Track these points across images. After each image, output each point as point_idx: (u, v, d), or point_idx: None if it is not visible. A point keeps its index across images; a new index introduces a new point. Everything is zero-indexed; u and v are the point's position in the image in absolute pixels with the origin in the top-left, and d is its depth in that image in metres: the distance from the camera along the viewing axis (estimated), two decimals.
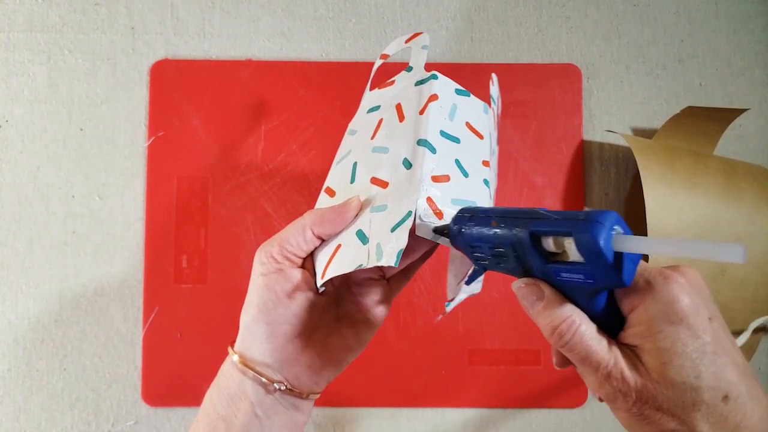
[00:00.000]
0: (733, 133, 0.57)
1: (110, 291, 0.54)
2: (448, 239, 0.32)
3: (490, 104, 0.40)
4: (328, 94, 0.55)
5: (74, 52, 0.56)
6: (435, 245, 0.38)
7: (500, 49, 0.57)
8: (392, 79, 0.41)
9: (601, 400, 0.28)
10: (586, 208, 0.27)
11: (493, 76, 0.41)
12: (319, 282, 0.34)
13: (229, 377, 0.35)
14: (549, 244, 0.26)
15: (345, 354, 0.38)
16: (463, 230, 0.30)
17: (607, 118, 0.57)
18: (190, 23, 0.57)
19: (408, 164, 0.35)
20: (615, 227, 0.24)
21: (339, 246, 0.34)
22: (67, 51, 0.56)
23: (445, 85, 0.37)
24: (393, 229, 0.32)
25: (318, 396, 0.37)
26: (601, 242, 0.23)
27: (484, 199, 0.36)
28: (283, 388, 0.34)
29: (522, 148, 0.56)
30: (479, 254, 0.30)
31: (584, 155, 0.56)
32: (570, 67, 0.57)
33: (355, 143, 0.40)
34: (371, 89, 0.43)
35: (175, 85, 0.55)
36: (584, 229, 0.23)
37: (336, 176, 0.40)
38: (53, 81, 0.56)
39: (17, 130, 0.55)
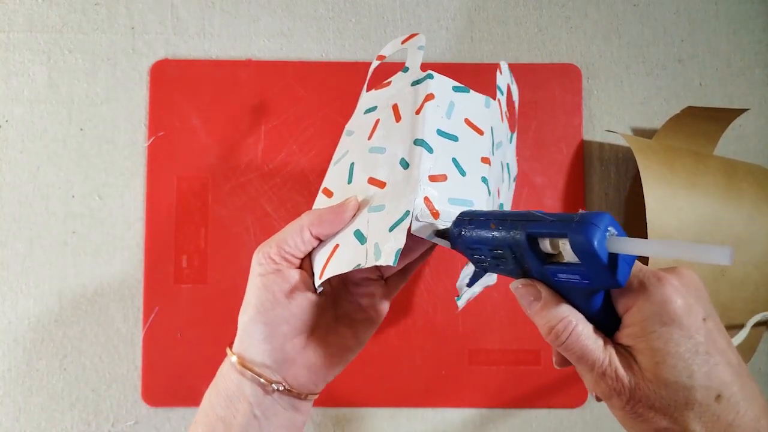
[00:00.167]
0: (733, 133, 0.57)
1: (110, 291, 0.54)
2: (448, 242, 0.32)
3: (495, 96, 0.40)
4: (328, 94, 0.55)
5: (74, 52, 0.56)
6: (433, 245, 0.38)
7: (500, 49, 0.57)
8: (389, 79, 0.41)
9: (598, 399, 0.28)
10: (580, 210, 0.28)
11: (502, 65, 0.41)
12: (317, 282, 0.34)
13: (227, 378, 0.35)
14: (546, 245, 0.26)
15: (344, 354, 0.38)
16: (462, 233, 0.31)
17: (607, 118, 0.57)
18: (190, 23, 0.57)
19: (405, 164, 0.35)
20: (609, 229, 0.24)
21: (337, 246, 0.34)
22: (67, 51, 0.56)
23: (441, 84, 0.37)
24: (391, 229, 0.32)
25: (317, 396, 0.37)
26: (595, 243, 0.23)
27: (481, 197, 0.36)
28: (281, 388, 0.35)
29: (522, 148, 0.56)
30: (479, 256, 0.30)
31: (584, 155, 0.56)
32: (570, 67, 0.57)
33: (352, 144, 0.40)
34: (368, 90, 0.43)
35: (175, 85, 0.55)
36: (579, 230, 0.24)
37: (333, 177, 0.40)
38: (53, 81, 0.56)
39: (17, 130, 0.55)
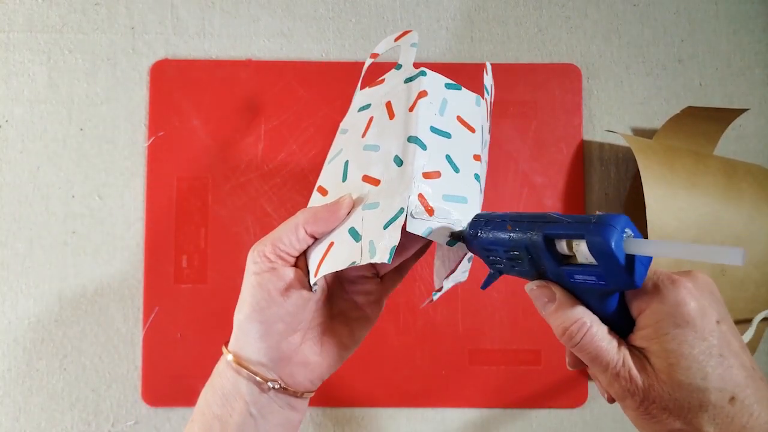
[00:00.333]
0: (733, 133, 0.57)
1: (110, 291, 0.54)
2: (464, 243, 0.33)
3: (483, 95, 0.40)
4: (328, 94, 0.55)
5: (74, 52, 0.56)
6: (428, 243, 0.38)
7: (500, 49, 0.57)
8: (382, 77, 0.41)
9: (611, 400, 0.28)
10: (597, 212, 0.28)
11: (488, 65, 0.41)
12: (312, 280, 0.34)
13: (223, 377, 0.35)
14: (562, 246, 0.27)
15: (339, 352, 0.38)
16: (479, 234, 0.31)
17: (607, 118, 0.57)
18: (190, 23, 0.57)
19: (399, 161, 0.35)
20: (626, 230, 0.24)
21: (332, 244, 0.34)
22: (67, 51, 0.56)
23: (434, 81, 0.37)
24: (385, 226, 0.32)
25: (313, 394, 0.37)
26: (613, 244, 0.24)
27: (474, 194, 0.36)
28: (277, 386, 0.35)
29: (522, 148, 0.56)
30: (494, 258, 0.31)
31: (584, 155, 0.56)
32: (570, 67, 0.57)
33: (347, 142, 0.40)
34: (362, 88, 0.43)
35: (175, 85, 0.55)
36: (596, 231, 0.24)
37: (328, 175, 0.40)
38: (53, 81, 0.56)
39: (17, 130, 0.55)
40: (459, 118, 0.37)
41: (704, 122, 0.52)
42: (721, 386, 0.24)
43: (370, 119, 0.39)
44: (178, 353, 0.53)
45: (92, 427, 0.54)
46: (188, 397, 0.53)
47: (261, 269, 0.34)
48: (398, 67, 0.40)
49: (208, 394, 0.35)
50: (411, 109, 0.36)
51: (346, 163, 0.38)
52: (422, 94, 0.36)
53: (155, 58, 0.56)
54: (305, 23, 0.57)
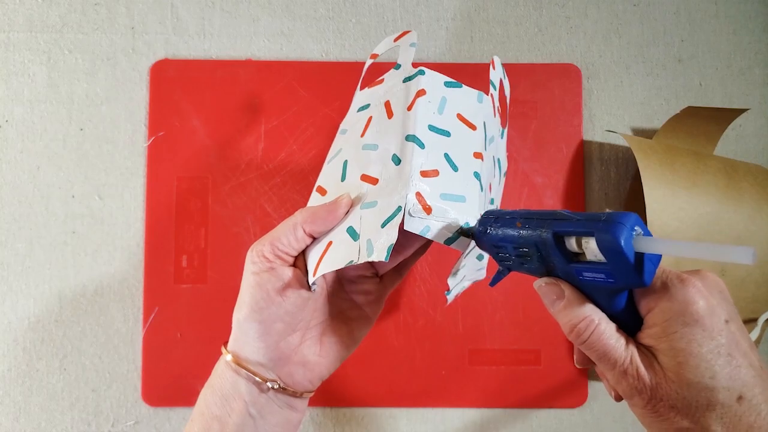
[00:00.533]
0: (733, 133, 0.57)
1: (110, 291, 0.54)
2: (473, 240, 0.33)
3: (488, 91, 0.40)
4: (328, 94, 0.55)
5: (74, 52, 0.56)
6: (427, 242, 0.38)
7: (500, 49, 0.57)
8: (381, 77, 0.41)
9: (618, 398, 0.28)
10: (607, 210, 0.28)
11: (496, 59, 0.41)
12: (311, 279, 0.34)
13: (222, 377, 0.35)
14: (572, 244, 0.27)
15: (339, 352, 0.38)
16: (488, 231, 0.31)
17: (607, 118, 0.57)
18: (190, 23, 0.57)
19: (397, 160, 0.35)
20: (635, 228, 0.24)
21: (330, 243, 0.34)
22: (67, 51, 0.56)
23: (433, 80, 0.37)
24: (383, 225, 0.32)
25: (312, 394, 0.37)
26: (622, 242, 0.24)
27: (473, 192, 0.36)
28: (276, 386, 0.35)
29: (522, 148, 0.56)
30: (503, 254, 0.31)
31: (584, 155, 0.56)
32: (570, 67, 0.57)
33: (346, 142, 0.40)
34: (361, 88, 0.43)
35: (175, 85, 0.55)
36: (606, 229, 0.24)
37: (327, 175, 0.40)
38: (53, 81, 0.56)
39: (17, 130, 0.55)
40: (459, 116, 0.37)
41: (704, 122, 0.52)
42: (729, 385, 0.24)
43: (369, 119, 0.39)
44: (178, 353, 0.53)
45: (92, 427, 0.54)
46: (188, 397, 0.53)
47: (260, 269, 0.34)
48: (397, 66, 0.40)
49: (207, 394, 0.35)
50: (409, 108, 0.36)
51: (345, 162, 0.38)
52: (420, 92, 0.36)
53: (155, 58, 0.56)
54: (305, 23, 0.57)
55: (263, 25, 0.57)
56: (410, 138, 0.35)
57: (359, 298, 0.39)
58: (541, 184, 0.55)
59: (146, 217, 0.54)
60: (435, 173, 0.34)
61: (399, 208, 0.32)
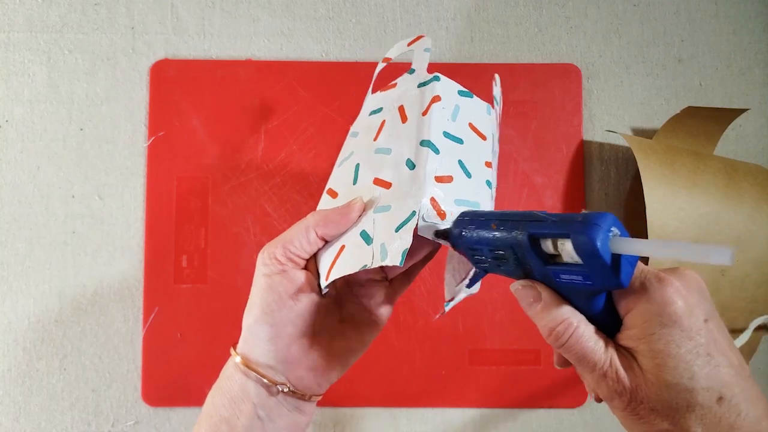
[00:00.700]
0: (733, 133, 0.57)
1: (110, 291, 0.54)
2: (449, 242, 0.32)
3: (493, 105, 0.40)
4: (328, 94, 0.55)
5: (74, 52, 0.56)
6: (438, 246, 0.38)
7: (500, 49, 0.57)
8: (394, 81, 0.41)
9: (598, 400, 0.28)
10: (583, 211, 0.28)
11: (497, 77, 0.41)
12: (324, 283, 0.34)
13: (231, 379, 0.35)
14: (548, 246, 0.26)
15: (348, 355, 0.38)
16: (463, 233, 0.30)
17: (607, 118, 0.57)
18: (190, 23, 0.57)
19: (411, 165, 0.35)
20: (612, 229, 0.24)
21: (343, 247, 0.34)
22: (67, 51, 0.56)
23: (447, 87, 0.37)
24: (397, 229, 0.32)
25: (320, 398, 0.37)
26: (598, 244, 0.23)
27: (486, 200, 0.36)
28: (285, 389, 0.34)
29: (522, 148, 0.56)
30: (480, 257, 0.30)
31: (584, 155, 0.56)
32: (570, 67, 0.57)
33: (358, 145, 0.40)
34: (373, 92, 0.43)
35: (175, 85, 0.55)
36: (581, 230, 0.24)
37: (338, 178, 0.40)
38: (53, 81, 0.56)
39: (17, 130, 0.55)
40: (471, 125, 0.38)
41: (704, 122, 0.52)
42: (708, 386, 0.24)
43: (383, 123, 0.39)
44: (178, 353, 0.53)
45: (92, 427, 0.54)
46: (188, 397, 0.53)
47: (271, 271, 0.34)
48: (411, 71, 0.40)
49: (215, 396, 0.35)
50: (424, 114, 0.36)
51: (357, 165, 0.38)
52: (436, 98, 0.36)
53: (155, 58, 0.56)
54: (305, 23, 0.57)
55: (263, 25, 0.57)
56: (425, 143, 0.35)
57: (369, 302, 0.39)
58: (541, 184, 0.55)
59: (146, 217, 0.54)
60: (449, 179, 0.34)
61: (413, 213, 0.32)
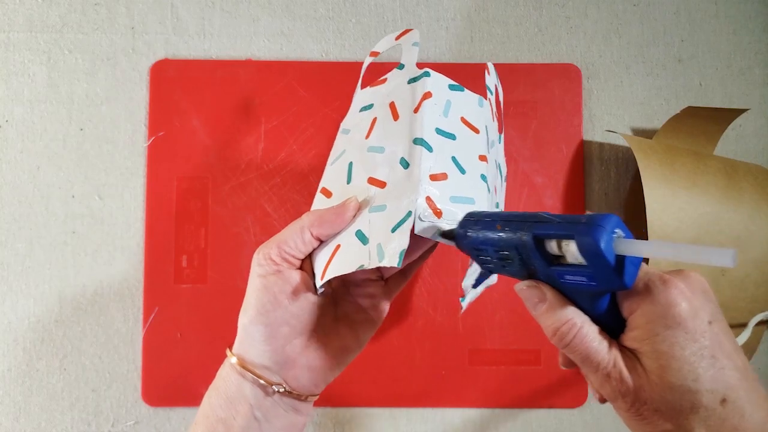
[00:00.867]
0: (733, 133, 0.57)
1: (110, 291, 0.54)
2: (454, 242, 0.32)
3: (486, 96, 0.40)
4: (328, 94, 0.55)
5: (74, 52, 0.56)
6: (434, 245, 0.38)
7: (500, 49, 0.57)
8: (384, 76, 0.41)
9: (602, 400, 0.28)
10: (587, 212, 0.28)
11: (489, 65, 0.41)
12: (319, 283, 0.34)
13: (227, 380, 0.35)
14: (552, 247, 0.26)
15: (344, 355, 0.38)
16: (468, 234, 0.31)
17: (607, 118, 0.57)
18: (190, 23, 0.57)
19: (405, 164, 0.35)
20: (616, 230, 0.24)
21: (338, 247, 0.34)
22: (67, 51, 0.56)
23: (438, 82, 0.37)
24: (393, 230, 0.32)
25: (317, 398, 0.37)
26: (602, 245, 0.23)
27: (481, 195, 0.36)
28: (281, 390, 0.34)
29: (522, 148, 0.56)
30: (485, 257, 0.30)
31: (584, 155, 0.56)
32: (570, 67, 0.57)
33: (350, 143, 0.40)
34: (362, 87, 0.43)
35: (175, 85, 0.55)
36: (586, 232, 0.24)
37: (332, 177, 0.40)
38: (53, 81, 0.56)
39: (17, 130, 0.55)
40: (463, 119, 0.37)
41: (704, 122, 0.52)
42: (712, 388, 0.24)
43: (374, 120, 0.39)
44: (178, 353, 0.53)
45: (92, 427, 0.54)
46: (188, 397, 0.53)
47: (266, 272, 0.34)
48: (401, 66, 0.39)
49: (212, 397, 0.35)
50: (416, 111, 0.36)
51: (350, 164, 0.38)
52: (427, 95, 0.36)
53: (155, 58, 0.56)
54: (305, 23, 0.57)
55: (263, 25, 0.57)
56: (418, 141, 0.35)
57: (364, 302, 0.39)
58: (541, 184, 0.55)
59: (146, 217, 0.54)
60: (444, 176, 0.34)
61: (409, 213, 0.32)
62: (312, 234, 0.35)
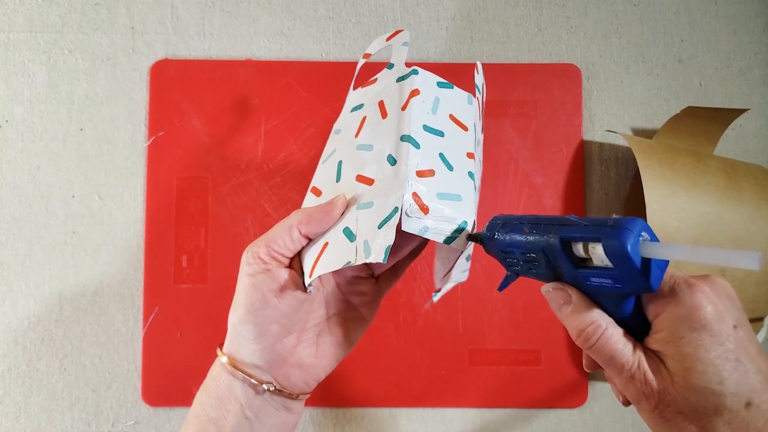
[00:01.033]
0: (733, 133, 0.57)
1: (110, 291, 0.54)
2: (482, 245, 0.33)
3: (474, 94, 0.40)
4: (328, 94, 0.55)
5: (74, 52, 0.56)
6: (423, 242, 0.38)
7: (500, 49, 0.57)
8: (374, 77, 0.41)
9: (626, 403, 0.28)
10: (614, 215, 0.28)
11: (478, 64, 0.41)
12: (307, 281, 0.34)
13: (218, 379, 0.35)
14: (579, 249, 0.27)
15: (335, 353, 0.38)
16: (496, 237, 0.31)
17: (607, 118, 0.57)
18: (190, 23, 0.57)
19: (392, 161, 0.35)
20: (642, 234, 0.24)
21: (326, 244, 0.34)
22: (67, 51, 0.56)
23: (426, 80, 0.37)
24: (380, 226, 0.32)
25: (308, 396, 0.37)
26: (629, 248, 0.24)
27: (469, 191, 0.36)
28: (272, 388, 0.34)
29: (522, 148, 0.56)
30: (512, 260, 0.31)
31: (584, 155, 0.56)
32: (570, 67, 0.57)
33: (340, 142, 0.40)
34: (354, 88, 0.43)
35: (175, 85, 0.55)
36: (612, 235, 0.24)
37: (322, 175, 0.40)
38: (53, 81, 0.56)
39: (17, 130, 0.55)
40: (451, 117, 0.37)
41: (704, 122, 0.52)
42: (737, 391, 0.24)
43: (363, 119, 0.39)
44: (178, 353, 0.53)
45: (92, 427, 0.54)
46: (188, 398, 0.53)
47: (255, 271, 0.34)
48: (390, 66, 0.40)
49: (203, 396, 0.35)
50: (404, 108, 0.36)
51: (340, 163, 0.38)
52: (415, 92, 0.36)
53: (155, 58, 0.56)
54: (305, 23, 0.57)
55: (263, 25, 0.57)
56: (405, 138, 0.35)
57: (355, 299, 0.39)
58: (541, 184, 0.55)
59: (146, 217, 0.54)
60: (431, 173, 0.34)
61: (396, 209, 0.32)
62: (300, 232, 0.35)
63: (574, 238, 0.27)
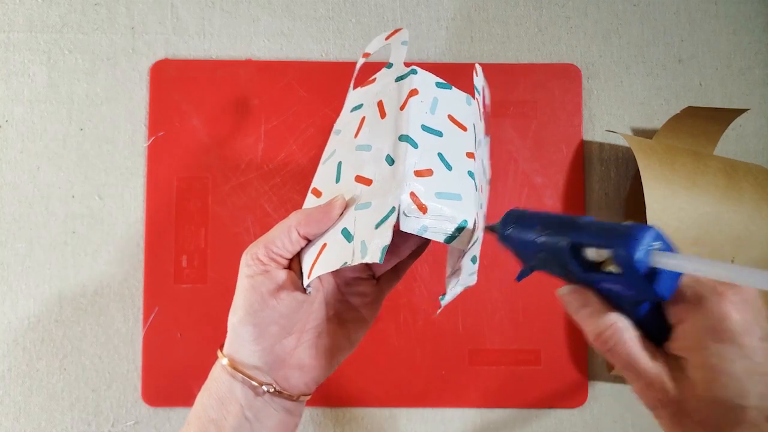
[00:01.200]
0: (733, 133, 0.57)
1: (110, 291, 0.54)
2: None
3: (473, 95, 0.40)
4: (328, 94, 0.55)
5: (74, 52, 0.56)
6: (425, 243, 0.38)
7: (500, 49, 0.57)
8: (373, 76, 0.41)
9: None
10: (628, 221, 0.28)
11: (477, 66, 0.41)
12: (306, 281, 0.34)
13: (218, 380, 0.35)
14: (590, 253, 0.27)
15: (335, 354, 0.37)
16: (507, 234, 0.31)
17: (607, 118, 0.57)
18: (190, 23, 0.57)
19: (390, 160, 0.35)
20: (654, 243, 0.24)
21: (325, 245, 0.34)
22: (67, 51, 0.56)
23: (425, 80, 0.37)
24: (377, 226, 0.32)
25: (308, 397, 0.37)
26: (636, 257, 0.24)
27: (469, 191, 0.36)
28: (272, 390, 0.34)
29: (522, 148, 0.56)
30: (525, 255, 0.31)
31: (584, 155, 0.56)
32: (570, 67, 0.57)
33: (340, 143, 0.40)
34: (354, 88, 0.43)
35: (175, 85, 0.55)
36: (621, 243, 0.24)
37: (322, 176, 0.40)
38: (53, 81, 0.56)
39: (17, 130, 0.55)
40: (450, 117, 0.37)
41: (704, 122, 0.52)
42: (759, 404, 0.24)
43: (362, 119, 0.39)
44: (178, 353, 0.53)
45: (92, 427, 0.54)
46: (188, 398, 0.53)
47: (254, 272, 0.34)
48: (389, 65, 0.40)
49: (203, 397, 0.35)
50: (402, 108, 0.36)
51: (339, 163, 0.38)
52: (413, 92, 0.36)
53: (155, 58, 0.56)
54: (305, 23, 0.57)
55: (263, 25, 0.57)
56: (403, 138, 0.35)
57: (356, 300, 0.39)
58: (541, 184, 0.55)
59: (146, 217, 0.54)
60: (429, 173, 0.34)
61: (393, 209, 0.32)
62: (299, 233, 0.35)
63: (583, 243, 0.27)
